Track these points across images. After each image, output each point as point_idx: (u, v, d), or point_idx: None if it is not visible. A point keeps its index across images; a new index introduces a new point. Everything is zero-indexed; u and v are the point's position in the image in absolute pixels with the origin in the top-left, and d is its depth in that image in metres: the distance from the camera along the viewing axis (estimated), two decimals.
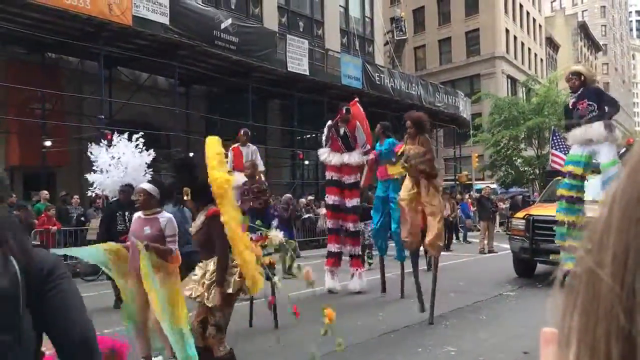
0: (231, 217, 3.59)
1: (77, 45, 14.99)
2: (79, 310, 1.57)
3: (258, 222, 4.72)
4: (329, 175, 9.83)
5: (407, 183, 7.37)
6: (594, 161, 6.31)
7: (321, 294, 9.52)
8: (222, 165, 3.78)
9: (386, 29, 31.17)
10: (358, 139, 9.40)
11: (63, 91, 16.19)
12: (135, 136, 6.77)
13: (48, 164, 15.55)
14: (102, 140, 7.03)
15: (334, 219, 9.75)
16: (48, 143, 15.38)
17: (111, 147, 7.16)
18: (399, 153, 8.16)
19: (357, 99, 10.18)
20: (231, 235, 3.57)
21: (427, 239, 7.12)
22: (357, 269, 9.59)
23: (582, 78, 6.68)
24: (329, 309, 3.86)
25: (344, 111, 9.48)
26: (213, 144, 3.80)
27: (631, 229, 0.40)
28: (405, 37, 33.63)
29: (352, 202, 9.55)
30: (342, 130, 9.47)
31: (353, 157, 9.40)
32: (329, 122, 9.72)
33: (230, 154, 9.76)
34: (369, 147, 9.43)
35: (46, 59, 16.64)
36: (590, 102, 6.55)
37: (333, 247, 9.76)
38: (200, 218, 4.10)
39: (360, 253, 9.94)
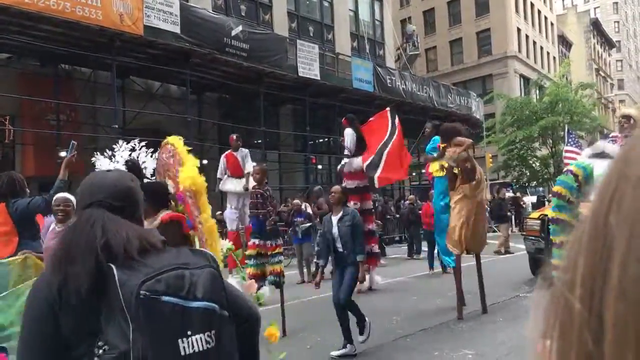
0: (209, 216, 3.42)
1: (90, 56, 15.14)
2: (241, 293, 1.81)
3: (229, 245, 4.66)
4: None
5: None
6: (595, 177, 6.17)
7: (330, 296, 9.54)
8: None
9: (396, 32, 31.12)
10: (345, 145, 9.57)
11: (77, 102, 16.35)
12: (138, 144, 6.78)
13: None
14: (107, 151, 7.11)
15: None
16: (63, 153, 15.49)
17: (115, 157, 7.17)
18: (441, 147, 8.17)
19: (387, 109, 10.25)
20: (210, 235, 3.34)
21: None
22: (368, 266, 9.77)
23: (632, 121, 6.60)
24: (273, 328, 3.81)
25: None
26: (181, 144, 3.51)
27: (597, 251, 0.38)
28: (418, 52, 33.65)
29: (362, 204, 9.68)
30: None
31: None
32: None
33: (223, 160, 9.84)
34: (347, 152, 9.57)
35: (59, 70, 16.81)
36: None
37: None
38: (153, 224, 3.60)
39: (376, 251, 10.03)
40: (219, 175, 9.99)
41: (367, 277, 9.65)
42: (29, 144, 16.01)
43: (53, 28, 13.94)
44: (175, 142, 3.44)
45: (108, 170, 1.71)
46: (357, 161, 9.37)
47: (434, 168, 8.37)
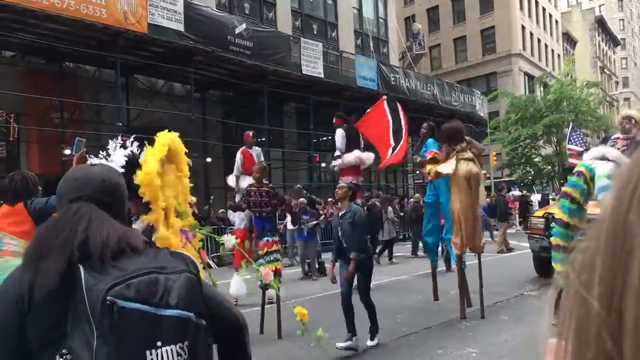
0: (158, 219, 3.20)
1: (94, 54, 15.16)
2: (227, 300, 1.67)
3: (208, 228, 4.48)
4: None
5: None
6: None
7: (335, 294, 9.55)
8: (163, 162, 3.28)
9: (400, 30, 31.06)
10: (336, 145, 9.53)
11: (81, 100, 16.39)
12: (128, 141, 6.73)
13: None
14: (100, 152, 7.12)
15: None
16: (67, 151, 15.55)
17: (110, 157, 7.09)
18: (427, 158, 8.18)
19: (384, 97, 10.18)
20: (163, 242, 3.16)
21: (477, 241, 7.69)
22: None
23: (633, 121, 6.58)
24: (299, 307, 3.82)
25: None
26: (164, 138, 3.20)
27: (617, 250, 0.38)
28: (424, 52, 33.59)
29: None
30: None
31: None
32: None
33: (240, 157, 9.74)
34: (338, 153, 9.40)
35: (64, 68, 16.84)
36: (632, 149, 6.38)
37: None
38: (142, 223, 3.37)
39: None
40: (235, 173, 9.84)
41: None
42: (34, 142, 16.04)
43: (57, 26, 13.96)
44: (157, 138, 3.25)
45: (92, 165, 1.59)
46: (349, 158, 9.35)
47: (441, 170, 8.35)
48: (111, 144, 3.11)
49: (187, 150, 3.31)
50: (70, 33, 14.50)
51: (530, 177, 32.35)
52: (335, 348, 6.02)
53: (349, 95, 22.30)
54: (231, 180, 9.83)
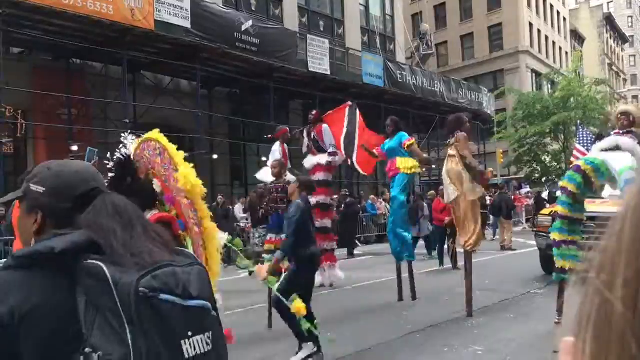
0: (207, 215, 3.27)
1: (101, 50, 15.21)
2: None
3: None
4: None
5: (450, 186, 7.59)
6: (610, 170, 5.98)
7: (340, 291, 9.57)
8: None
9: (407, 27, 30.96)
10: (325, 141, 9.47)
11: (88, 96, 16.43)
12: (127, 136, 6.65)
13: None
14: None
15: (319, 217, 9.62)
16: (75, 148, 15.63)
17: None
18: (406, 145, 8.15)
19: (349, 103, 10.21)
20: (209, 240, 3.16)
21: (462, 239, 7.55)
22: (327, 263, 9.72)
23: (632, 118, 6.53)
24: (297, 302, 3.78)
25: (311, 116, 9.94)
26: (166, 140, 3.28)
27: None
28: (432, 52, 33.47)
29: (318, 199, 9.40)
30: (312, 135, 9.87)
31: (323, 159, 9.63)
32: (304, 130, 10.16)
33: (280, 150, 9.73)
34: (332, 150, 9.41)
35: (71, 65, 16.90)
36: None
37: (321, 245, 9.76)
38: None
39: (334, 247, 10.25)
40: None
41: (326, 274, 9.75)
42: (41, 139, 16.10)
43: (65, 23, 14.02)
44: (160, 138, 3.26)
45: (69, 160, 1.52)
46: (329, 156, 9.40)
47: (404, 164, 8.25)
48: (126, 140, 3.08)
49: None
50: (78, 30, 14.56)
51: (537, 175, 32.20)
52: None
53: (356, 92, 22.24)
54: (263, 174, 9.66)
